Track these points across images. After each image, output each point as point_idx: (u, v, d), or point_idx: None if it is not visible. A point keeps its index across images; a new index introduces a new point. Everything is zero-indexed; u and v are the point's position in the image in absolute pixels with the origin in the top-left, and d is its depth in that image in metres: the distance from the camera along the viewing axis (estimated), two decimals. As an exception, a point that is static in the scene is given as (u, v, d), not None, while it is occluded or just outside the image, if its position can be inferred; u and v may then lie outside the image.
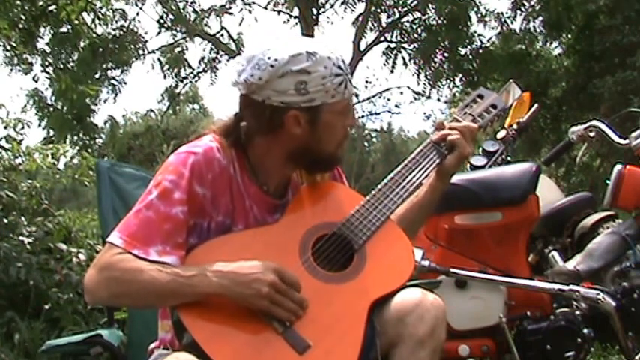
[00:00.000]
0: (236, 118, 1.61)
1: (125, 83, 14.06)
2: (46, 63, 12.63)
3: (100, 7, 12.40)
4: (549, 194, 2.73)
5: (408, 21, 14.21)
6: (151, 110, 18.17)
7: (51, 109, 13.26)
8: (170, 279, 1.41)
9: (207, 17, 14.00)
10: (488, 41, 13.82)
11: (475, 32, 13.68)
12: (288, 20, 14.65)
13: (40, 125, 13.22)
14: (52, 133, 13.24)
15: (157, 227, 1.47)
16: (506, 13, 13.43)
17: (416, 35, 14.02)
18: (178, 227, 1.48)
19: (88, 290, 1.46)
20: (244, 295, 1.40)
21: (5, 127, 4.46)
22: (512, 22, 13.44)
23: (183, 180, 1.50)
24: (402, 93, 20.27)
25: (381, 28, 14.31)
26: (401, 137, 26.00)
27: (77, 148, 13.12)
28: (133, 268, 1.42)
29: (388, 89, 15.92)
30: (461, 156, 1.70)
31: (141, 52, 14.01)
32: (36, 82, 13.01)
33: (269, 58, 1.51)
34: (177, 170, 1.51)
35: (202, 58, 14.55)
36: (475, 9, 13.33)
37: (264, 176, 1.62)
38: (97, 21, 12.48)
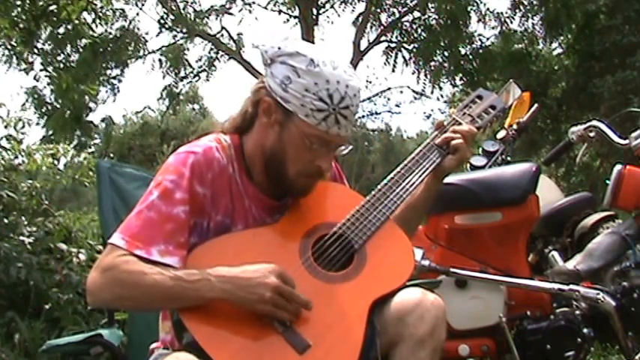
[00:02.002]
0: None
1: (121, 81, 14.07)
2: (47, 62, 12.62)
3: (101, 7, 12.42)
4: (549, 194, 2.73)
5: (407, 21, 14.21)
6: (149, 107, 18.14)
7: (49, 107, 13.26)
8: (174, 283, 1.40)
9: (208, 17, 14.00)
10: (487, 40, 13.83)
11: (475, 32, 13.70)
12: (288, 20, 14.66)
13: (38, 124, 13.25)
14: (50, 131, 13.24)
15: (159, 227, 1.47)
16: (506, 12, 13.45)
17: (416, 35, 14.02)
18: (180, 227, 1.48)
19: (90, 292, 1.46)
20: (248, 300, 1.41)
21: (5, 127, 4.46)
22: (511, 22, 13.46)
23: (183, 180, 1.50)
24: (401, 92, 20.26)
25: (381, 28, 14.31)
26: (399, 137, 25.99)
27: (74, 146, 13.14)
28: (136, 270, 1.42)
29: (388, 89, 15.94)
30: (462, 159, 1.72)
31: (141, 52, 14.01)
32: (37, 81, 13.03)
33: (283, 42, 1.55)
34: (178, 170, 1.51)
35: (200, 58, 14.55)
36: (475, 8, 13.33)
37: (256, 176, 1.62)
38: (97, 21, 12.50)
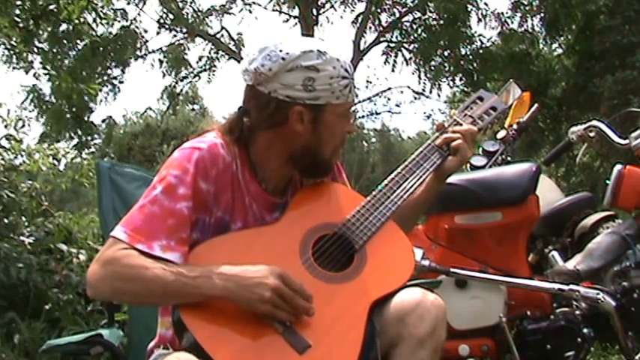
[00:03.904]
0: (239, 113, 1.61)
1: (122, 82, 14.07)
2: (47, 61, 12.59)
3: (101, 7, 12.41)
4: (549, 194, 2.73)
5: (407, 21, 14.22)
6: (150, 108, 18.15)
7: (49, 106, 13.25)
8: (174, 279, 1.41)
9: (207, 17, 14.00)
10: (488, 41, 13.83)
11: (475, 32, 13.70)
12: (288, 20, 14.66)
13: (38, 120, 13.23)
14: (48, 127, 13.22)
15: (161, 222, 1.47)
16: (507, 13, 13.46)
17: (416, 35, 14.02)
18: (182, 222, 1.48)
19: (90, 284, 1.46)
20: (247, 299, 1.41)
21: (6, 127, 4.46)
22: (512, 22, 13.46)
23: (187, 175, 1.50)
24: (402, 92, 20.26)
25: (381, 28, 14.32)
26: (399, 137, 26.00)
27: (74, 145, 13.15)
28: (138, 264, 1.42)
29: (388, 89, 15.93)
30: (463, 160, 1.72)
31: (142, 52, 14.01)
32: (37, 79, 13.00)
33: (281, 51, 1.53)
34: (182, 165, 1.52)
35: (200, 58, 14.56)
36: (475, 8, 13.33)
37: (264, 174, 1.62)
38: (98, 21, 12.49)
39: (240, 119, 1.61)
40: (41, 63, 12.57)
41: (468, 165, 2.69)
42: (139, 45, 13.82)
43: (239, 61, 13.87)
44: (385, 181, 1.68)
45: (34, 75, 12.78)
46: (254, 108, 1.59)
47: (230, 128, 1.61)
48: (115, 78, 14.05)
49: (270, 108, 1.56)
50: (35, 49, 12.42)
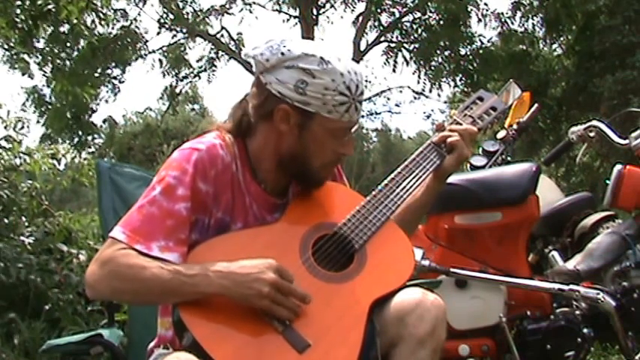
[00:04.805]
0: (245, 98, 1.63)
1: (123, 82, 14.08)
2: (45, 61, 12.58)
3: (101, 7, 12.41)
4: (549, 194, 2.73)
5: (408, 21, 14.23)
6: (149, 109, 18.19)
7: (49, 106, 13.27)
8: (172, 277, 1.41)
9: (207, 17, 14.01)
10: (488, 41, 13.84)
11: (475, 32, 13.71)
12: (288, 20, 14.68)
13: (38, 122, 13.24)
14: (49, 130, 13.24)
15: (160, 223, 1.47)
16: (507, 13, 13.47)
17: (416, 35, 14.03)
18: (181, 223, 1.48)
19: (89, 285, 1.47)
20: (245, 295, 1.41)
21: (5, 127, 4.46)
22: (512, 23, 13.47)
23: (186, 176, 1.50)
24: (401, 92, 20.26)
25: (381, 28, 14.33)
26: (399, 137, 26.00)
27: (74, 145, 13.16)
28: (136, 264, 1.42)
29: (388, 89, 15.94)
30: (459, 157, 1.71)
31: (142, 51, 14.02)
32: (32, 79, 12.99)
33: (284, 47, 1.53)
34: (181, 166, 1.52)
35: (201, 58, 14.57)
36: (475, 8, 13.34)
37: (262, 175, 1.63)
38: (97, 21, 12.49)
39: (243, 103, 1.62)
40: (38, 64, 12.57)
41: (468, 165, 2.69)
42: (139, 45, 13.83)
43: (239, 61, 13.94)
44: (385, 181, 1.68)
45: (29, 75, 12.77)
46: (252, 95, 1.60)
47: (235, 112, 1.63)
48: (115, 78, 14.08)
49: (261, 98, 1.56)
50: (34, 50, 12.41)
